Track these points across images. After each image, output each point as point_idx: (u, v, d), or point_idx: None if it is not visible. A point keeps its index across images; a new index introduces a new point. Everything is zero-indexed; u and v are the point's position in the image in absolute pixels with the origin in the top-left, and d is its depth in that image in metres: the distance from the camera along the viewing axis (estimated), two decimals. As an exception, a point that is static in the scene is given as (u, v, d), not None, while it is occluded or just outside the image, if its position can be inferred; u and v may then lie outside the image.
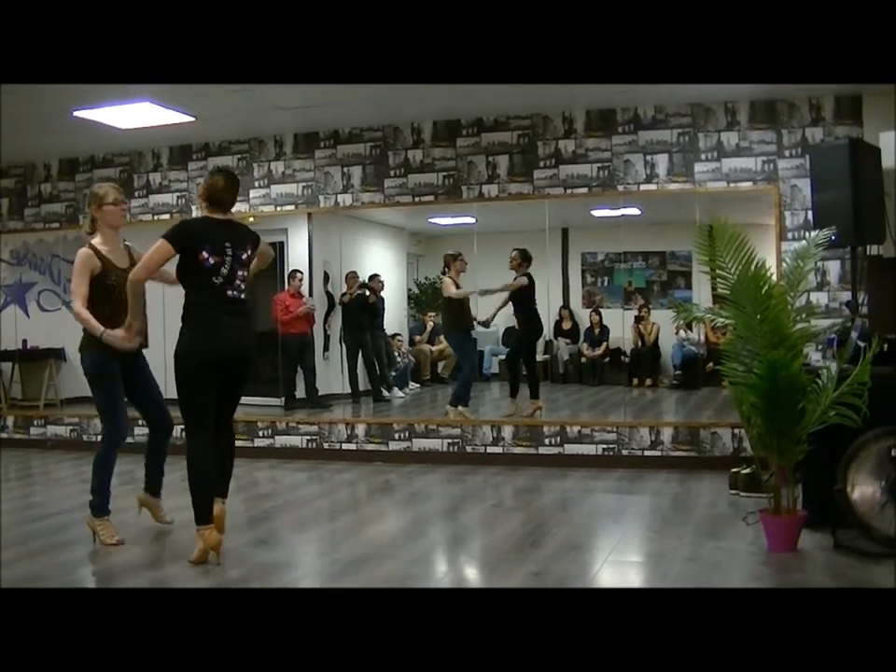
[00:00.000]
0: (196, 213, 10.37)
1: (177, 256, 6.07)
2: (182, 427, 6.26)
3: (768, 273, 6.11)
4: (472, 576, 6.01)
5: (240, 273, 6.17)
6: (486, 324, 11.21)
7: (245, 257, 6.20)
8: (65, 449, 11.19)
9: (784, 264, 7.10)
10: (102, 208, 6.64)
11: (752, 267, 6.01)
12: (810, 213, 8.15)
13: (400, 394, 12.67)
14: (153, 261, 6.03)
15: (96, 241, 6.64)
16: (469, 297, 10.77)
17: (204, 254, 6.00)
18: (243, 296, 6.22)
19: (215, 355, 6.07)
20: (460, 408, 10.40)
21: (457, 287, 10.74)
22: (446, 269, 10.96)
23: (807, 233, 7.04)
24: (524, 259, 10.54)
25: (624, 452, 9.29)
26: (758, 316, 5.99)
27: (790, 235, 8.69)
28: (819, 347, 7.89)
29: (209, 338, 6.08)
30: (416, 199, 10.01)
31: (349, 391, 11.86)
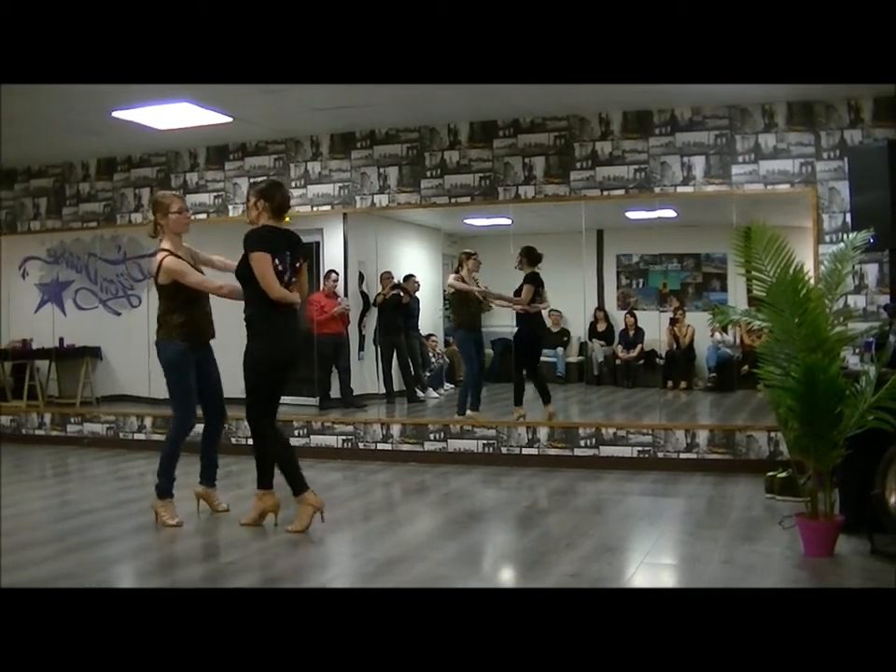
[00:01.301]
0: (233, 213, 10.46)
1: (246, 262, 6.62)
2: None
3: (806, 277, 6.08)
4: (507, 577, 6.01)
5: (292, 277, 6.79)
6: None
7: (296, 264, 6.82)
8: (102, 446, 11.27)
9: (822, 267, 7.08)
10: (168, 216, 7.05)
11: (791, 270, 5.98)
12: (848, 215, 8.13)
13: (435, 394, 12.66)
14: (270, 274, 6.56)
15: (167, 245, 7.03)
16: (473, 291, 10.78)
17: (276, 262, 6.58)
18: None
19: (285, 358, 6.77)
20: (469, 412, 10.47)
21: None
22: (459, 267, 10.97)
23: (845, 236, 6.99)
24: (523, 258, 10.55)
25: (660, 454, 9.26)
26: (796, 320, 5.95)
27: (827, 238, 8.63)
28: (857, 351, 7.85)
29: (282, 343, 6.75)
30: (452, 200, 10.01)
31: (384, 391, 11.86)
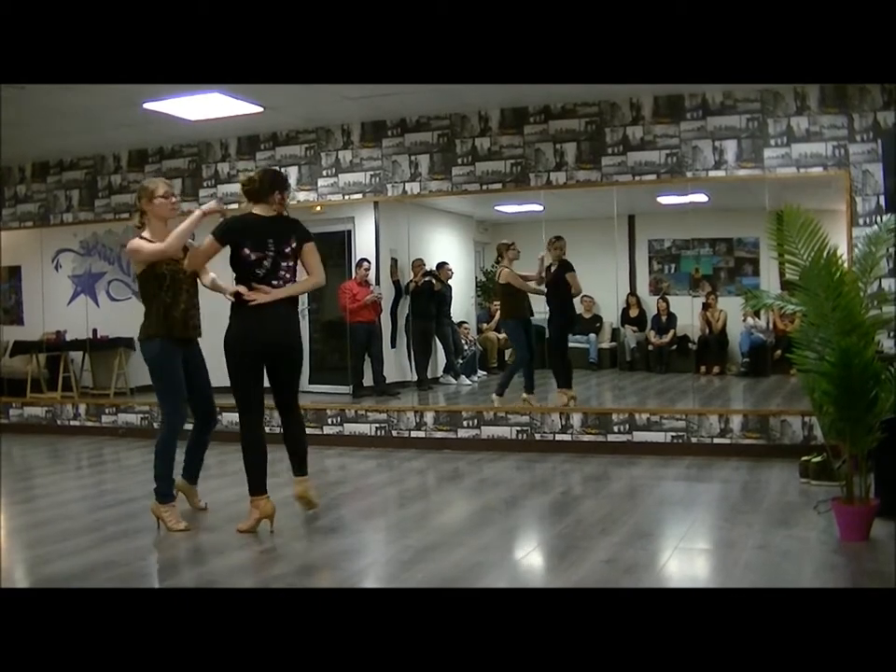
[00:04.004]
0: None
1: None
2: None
3: (840, 260, 6.05)
4: (542, 563, 6.01)
5: (283, 264, 6.57)
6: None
7: (288, 250, 6.58)
8: (136, 437, 11.33)
9: (856, 250, 7.05)
10: (153, 201, 6.85)
11: (824, 253, 5.95)
12: (882, 198, 8.07)
13: (468, 382, 12.67)
14: (200, 253, 6.64)
15: (145, 234, 6.84)
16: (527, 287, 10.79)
17: (246, 250, 6.43)
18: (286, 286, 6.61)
19: (256, 345, 6.51)
20: (494, 396, 10.57)
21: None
22: (500, 258, 10.97)
23: (879, 218, 6.96)
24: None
25: (693, 439, 9.24)
26: (830, 303, 5.92)
27: (861, 221, 8.58)
28: (892, 335, 7.81)
29: (251, 329, 6.49)
30: (484, 187, 10.01)
31: (416, 379, 11.89)
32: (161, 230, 6.84)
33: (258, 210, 6.58)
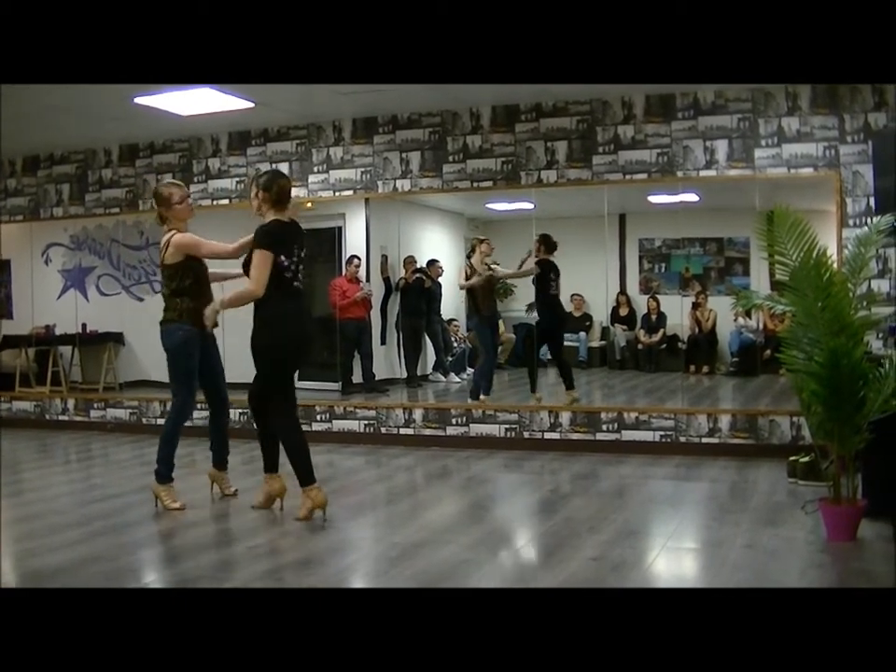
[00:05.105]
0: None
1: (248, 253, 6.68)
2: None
3: (830, 261, 6.06)
4: (530, 561, 6.01)
5: (301, 266, 6.73)
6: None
7: (304, 254, 6.78)
8: (125, 432, 11.32)
9: (845, 251, 7.06)
10: (172, 208, 7.07)
11: (814, 254, 5.96)
12: (872, 199, 8.08)
13: (457, 379, 12.68)
14: (264, 273, 6.52)
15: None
16: (483, 277, 10.82)
17: (282, 258, 6.54)
18: (302, 286, 6.78)
19: (297, 342, 6.76)
20: (482, 397, 10.48)
21: (478, 271, 10.74)
22: (471, 253, 10.99)
23: (869, 220, 6.96)
24: (541, 245, 10.54)
25: (682, 439, 9.25)
26: (819, 304, 5.93)
27: (851, 222, 8.58)
28: (881, 335, 7.82)
29: (290, 328, 6.65)
30: (475, 184, 10.01)
31: (405, 376, 11.89)
32: (183, 229, 7.09)
33: (282, 217, 6.73)
